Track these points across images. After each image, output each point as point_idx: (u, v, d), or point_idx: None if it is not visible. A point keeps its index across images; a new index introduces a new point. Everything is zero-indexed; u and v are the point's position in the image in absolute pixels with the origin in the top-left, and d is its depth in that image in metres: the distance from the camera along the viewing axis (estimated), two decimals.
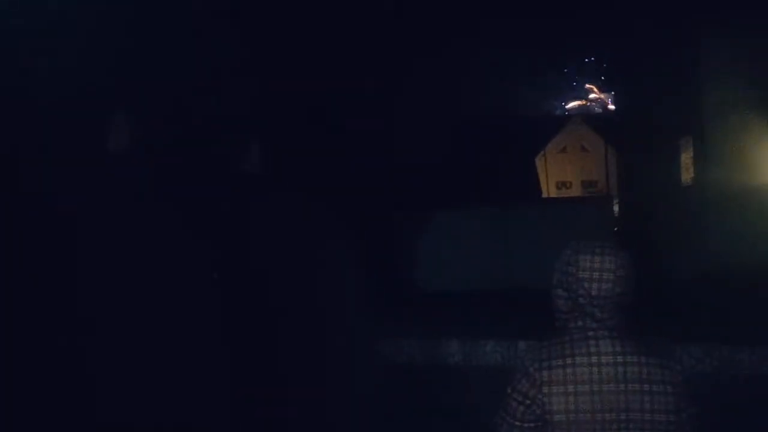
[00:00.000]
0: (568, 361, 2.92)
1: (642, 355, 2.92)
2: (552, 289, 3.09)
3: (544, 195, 38.54)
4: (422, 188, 24.49)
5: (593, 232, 20.42)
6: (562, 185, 42.97)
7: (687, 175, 19.43)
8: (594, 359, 2.90)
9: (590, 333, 2.96)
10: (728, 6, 18.07)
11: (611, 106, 35.30)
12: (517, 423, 2.97)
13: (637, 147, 22.81)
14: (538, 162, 39.52)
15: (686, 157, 19.41)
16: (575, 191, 42.98)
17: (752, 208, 17.50)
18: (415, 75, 26.52)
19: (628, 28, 23.01)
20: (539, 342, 3.07)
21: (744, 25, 17.70)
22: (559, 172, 42.29)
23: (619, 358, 2.89)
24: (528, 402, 2.94)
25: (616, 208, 25.66)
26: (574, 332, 2.99)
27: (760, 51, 17.70)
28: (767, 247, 17.30)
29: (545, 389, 2.91)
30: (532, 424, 2.95)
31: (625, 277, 2.96)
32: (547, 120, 43.58)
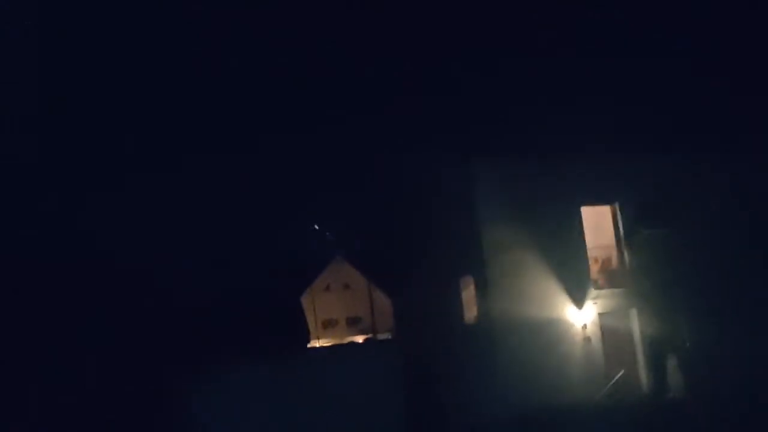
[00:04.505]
0: None
1: None
2: None
3: (312, 335, 37.67)
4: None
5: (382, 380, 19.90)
6: (328, 323, 42.45)
7: (470, 314, 19.66)
8: None
9: None
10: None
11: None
12: None
13: (414, 286, 22.95)
14: (305, 301, 38.80)
15: (468, 296, 19.69)
16: (341, 329, 42.66)
17: (538, 343, 18.01)
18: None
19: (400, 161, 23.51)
20: None
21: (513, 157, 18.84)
22: (325, 310, 41.85)
23: None
24: None
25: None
26: None
27: (528, 184, 18.80)
28: (555, 381, 17.78)
29: None
30: None
31: None
32: (312, 258, 43.42)
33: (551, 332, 18.36)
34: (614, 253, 19.78)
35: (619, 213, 19.69)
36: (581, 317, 18.59)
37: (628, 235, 19.56)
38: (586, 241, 19.28)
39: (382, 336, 37.67)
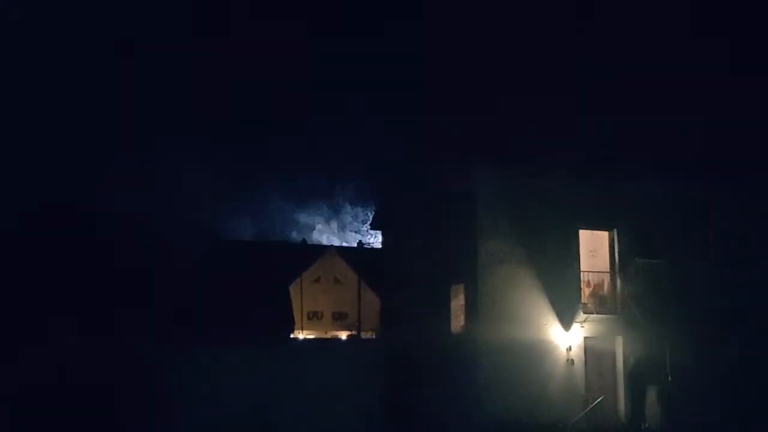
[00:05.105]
0: None
1: None
2: None
3: (297, 325, 37.67)
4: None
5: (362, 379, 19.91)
6: (313, 315, 42.47)
7: (457, 323, 19.64)
8: None
9: None
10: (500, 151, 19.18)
11: (372, 241, 35.87)
12: None
13: (405, 288, 22.90)
14: (293, 290, 38.83)
15: (457, 305, 19.67)
16: (326, 322, 42.67)
17: (521, 359, 18.02)
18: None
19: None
20: None
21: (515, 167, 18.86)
22: (311, 302, 41.91)
23: None
24: None
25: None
26: None
27: (530, 200, 18.81)
28: (533, 399, 17.80)
29: None
30: None
31: None
32: (305, 249, 43.38)
33: (535, 350, 18.36)
34: (607, 279, 19.77)
35: (616, 239, 19.70)
36: (567, 339, 18.60)
37: (623, 262, 19.58)
38: (581, 263, 19.31)
39: (365, 335, 37.76)
